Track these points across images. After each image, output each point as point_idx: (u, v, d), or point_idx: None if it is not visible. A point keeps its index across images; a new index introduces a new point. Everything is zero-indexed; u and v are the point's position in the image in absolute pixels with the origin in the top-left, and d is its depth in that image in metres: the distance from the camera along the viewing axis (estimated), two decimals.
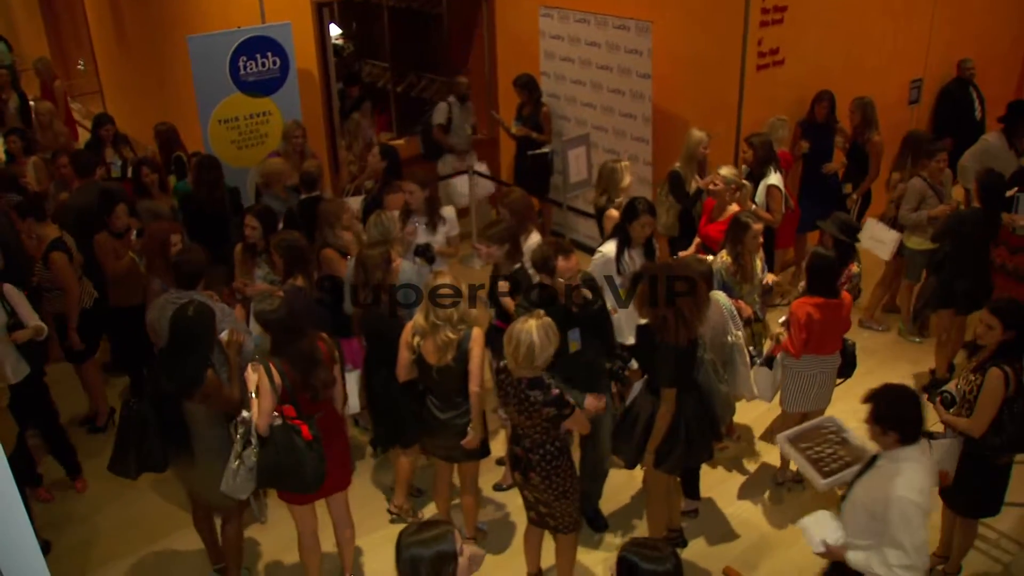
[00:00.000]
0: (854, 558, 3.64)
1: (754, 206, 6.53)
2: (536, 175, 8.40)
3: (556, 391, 4.05)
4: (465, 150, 8.82)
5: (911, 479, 3.50)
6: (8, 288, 5.26)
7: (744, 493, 5.66)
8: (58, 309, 5.96)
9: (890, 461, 3.61)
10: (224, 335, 4.55)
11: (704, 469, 5.39)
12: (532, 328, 3.97)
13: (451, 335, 4.48)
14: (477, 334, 4.54)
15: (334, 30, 10.40)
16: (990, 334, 4.35)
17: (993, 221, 6.18)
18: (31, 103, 10.66)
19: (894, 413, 3.57)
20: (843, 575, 3.78)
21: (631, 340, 5.23)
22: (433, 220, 6.04)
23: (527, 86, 8.20)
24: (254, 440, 4.25)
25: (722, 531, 5.36)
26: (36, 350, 5.42)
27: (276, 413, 4.22)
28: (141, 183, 6.82)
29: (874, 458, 3.75)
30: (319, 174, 6.74)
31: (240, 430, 4.28)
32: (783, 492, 5.63)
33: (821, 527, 3.80)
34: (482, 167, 8.91)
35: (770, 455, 5.89)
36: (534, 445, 4.20)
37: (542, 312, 4.14)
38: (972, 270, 6.18)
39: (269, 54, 7.74)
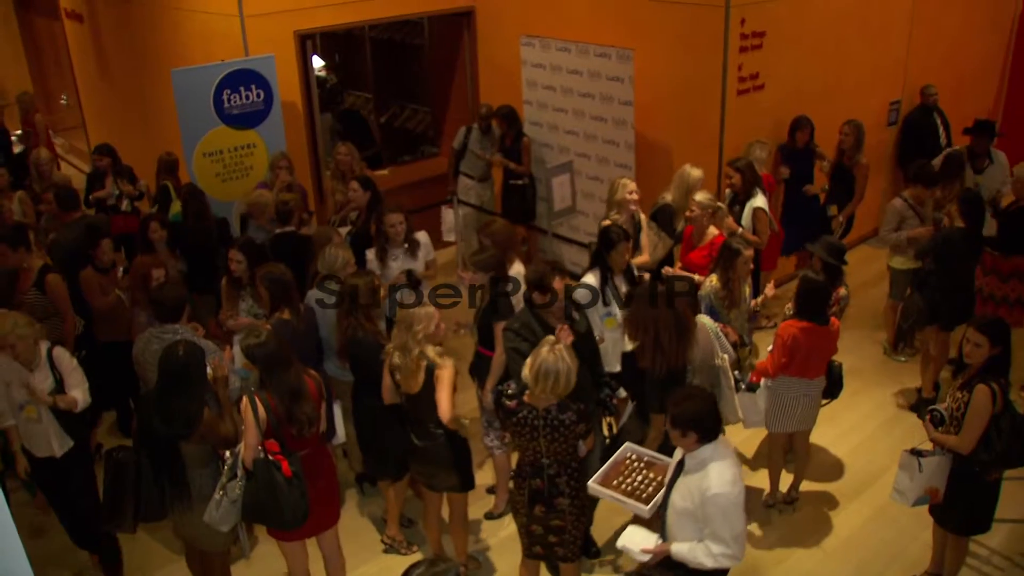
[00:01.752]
0: (678, 549, 3.77)
1: (741, 229, 6.57)
2: (518, 204, 8.43)
3: (582, 405, 4.10)
4: (476, 176, 8.65)
5: (720, 474, 3.63)
6: (58, 352, 4.81)
7: None
8: (54, 337, 5.86)
9: (695, 461, 3.73)
10: (208, 371, 4.49)
11: None
12: (560, 355, 3.99)
13: (407, 362, 4.47)
14: (441, 373, 4.44)
15: (317, 62, 10.46)
16: (978, 352, 4.38)
17: (976, 239, 6.25)
18: (12, 137, 10.66)
19: (687, 415, 3.68)
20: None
21: (617, 368, 5.24)
22: (412, 247, 6.13)
23: (506, 117, 8.22)
24: (239, 473, 4.21)
25: None
26: (76, 423, 4.84)
27: (260, 447, 4.19)
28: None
29: (681, 461, 3.83)
30: (295, 207, 6.61)
31: (228, 462, 4.25)
32: (773, 514, 5.62)
33: (636, 540, 3.94)
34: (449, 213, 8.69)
35: (758, 478, 5.87)
36: (561, 469, 4.20)
37: (551, 338, 4.15)
38: (956, 287, 6.23)
39: (253, 87, 7.76)
